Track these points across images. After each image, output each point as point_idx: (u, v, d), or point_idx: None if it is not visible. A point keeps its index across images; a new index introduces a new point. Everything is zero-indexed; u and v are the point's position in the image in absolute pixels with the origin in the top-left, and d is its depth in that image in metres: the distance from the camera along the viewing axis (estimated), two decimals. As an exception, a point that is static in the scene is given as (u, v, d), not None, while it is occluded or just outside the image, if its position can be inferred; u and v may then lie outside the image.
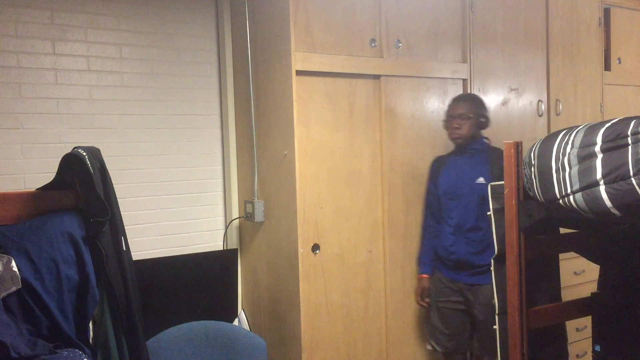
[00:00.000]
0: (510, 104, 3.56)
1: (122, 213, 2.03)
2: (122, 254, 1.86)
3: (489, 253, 2.53)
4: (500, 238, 2.24)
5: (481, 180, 2.85)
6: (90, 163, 1.81)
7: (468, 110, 2.93)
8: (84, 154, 1.84)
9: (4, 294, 1.28)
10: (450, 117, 2.98)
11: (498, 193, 2.24)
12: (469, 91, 3.36)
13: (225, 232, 3.26)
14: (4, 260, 1.28)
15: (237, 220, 3.26)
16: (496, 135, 3.43)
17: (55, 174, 1.98)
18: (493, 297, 2.29)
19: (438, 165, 3.08)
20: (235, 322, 3.14)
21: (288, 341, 2.88)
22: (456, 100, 3.02)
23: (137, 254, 2.36)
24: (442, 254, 3.00)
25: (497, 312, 2.28)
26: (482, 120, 2.98)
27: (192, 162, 3.21)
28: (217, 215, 3.29)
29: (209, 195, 3.27)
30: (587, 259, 2.44)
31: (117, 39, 3.00)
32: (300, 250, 2.76)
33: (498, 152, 2.82)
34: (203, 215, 3.25)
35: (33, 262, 1.38)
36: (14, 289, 1.31)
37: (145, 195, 3.07)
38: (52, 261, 1.42)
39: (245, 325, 3.17)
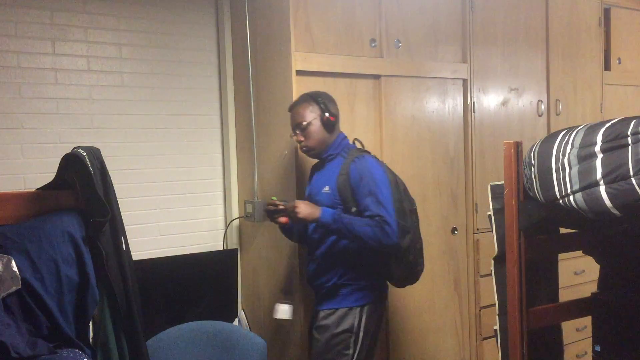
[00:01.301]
0: (510, 104, 3.56)
1: (122, 213, 2.03)
2: (122, 254, 1.86)
3: (335, 272, 2.45)
4: (500, 238, 2.24)
5: (326, 189, 2.44)
6: (90, 163, 1.81)
7: (303, 116, 2.45)
8: (84, 154, 1.84)
9: (4, 294, 1.28)
10: (293, 130, 2.52)
11: (498, 193, 2.24)
12: (469, 91, 3.36)
13: (225, 232, 3.26)
14: (4, 260, 1.28)
15: (237, 220, 3.26)
16: (496, 135, 3.44)
17: (55, 174, 1.98)
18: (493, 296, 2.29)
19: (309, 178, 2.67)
20: (235, 322, 3.13)
21: (288, 341, 2.88)
22: (290, 109, 2.53)
23: (137, 254, 2.36)
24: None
25: (497, 312, 2.28)
26: (326, 118, 2.44)
27: (192, 162, 3.21)
28: (217, 215, 3.29)
29: (209, 195, 3.27)
30: (592, 256, 2.44)
31: (117, 38, 3.00)
32: (300, 250, 2.76)
33: (352, 155, 2.45)
34: (203, 215, 3.25)
35: (33, 262, 1.38)
36: (14, 289, 1.31)
37: (145, 195, 3.07)
38: (52, 261, 1.42)
39: (245, 325, 3.17)
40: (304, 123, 2.44)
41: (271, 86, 2.90)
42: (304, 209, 2.36)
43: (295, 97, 2.72)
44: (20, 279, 1.32)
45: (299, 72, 2.73)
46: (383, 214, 2.32)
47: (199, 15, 3.21)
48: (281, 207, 2.42)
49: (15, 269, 1.33)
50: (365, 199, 2.35)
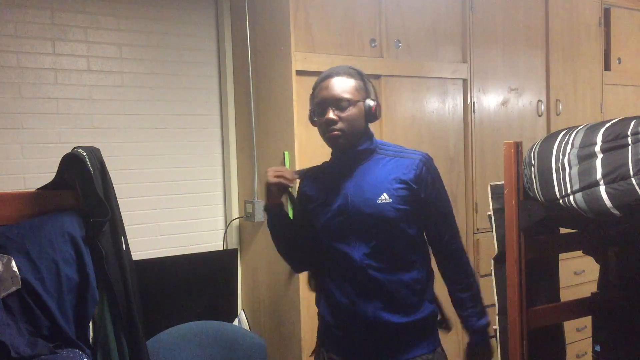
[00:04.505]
0: (510, 104, 3.56)
1: (122, 213, 2.03)
2: (122, 254, 1.86)
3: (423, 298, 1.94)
4: (500, 238, 2.24)
5: (385, 198, 1.82)
6: (90, 163, 1.81)
7: (347, 91, 1.84)
8: (84, 153, 1.84)
9: (4, 294, 1.28)
10: (320, 106, 1.87)
11: (498, 193, 2.24)
12: (469, 91, 3.36)
13: (225, 232, 3.26)
14: (4, 260, 1.28)
15: (237, 220, 3.26)
16: (496, 135, 3.44)
17: (55, 174, 1.98)
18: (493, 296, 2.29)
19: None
20: (235, 322, 3.13)
21: (288, 341, 2.88)
22: (323, 79, 1.89)
23: (137, 254, 2.36)
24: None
25: (496, 312, 2.28)
26: (374, 106, 1.88)
27: (192, 162, 3.21)
28: (217, 215, 3.29)
29: (209, 195, 3.27)
30: (592, 256, 2.45)
31: (117, 38, 3.00)
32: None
33: (405, 152, 1.92)
34: (203, 215, 3.25)
35: (33, 262, 1.38)
36: (14, 289, 1.31)
37: (145, 195, 3.07)
38: (52, 261, 1.42)
39: (245, 326, 3.17)
40: (346, 101, 1.83)
41: (271, 86, 2.90)
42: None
43: (295, 97, 2.72)
44: (20, 279, 1.32)
45: (299, 72, 2.73)
46: (462, 246, 1.97)
47: (199, 15, 3.21)
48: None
49: (15, 269, 1.33)
50: (445, 221, 1.92)
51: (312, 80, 2.79)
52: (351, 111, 1.83)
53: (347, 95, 1.83)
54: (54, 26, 2.84)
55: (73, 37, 2.89)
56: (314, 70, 2.78)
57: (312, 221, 1.94)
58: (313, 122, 1.92)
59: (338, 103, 1.82)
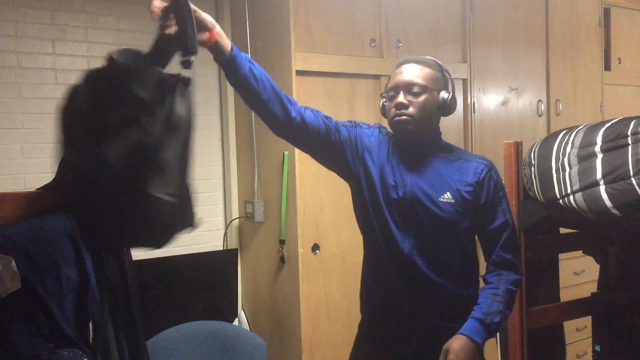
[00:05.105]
0: (510, 104, 3.56)
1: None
2: (122, 253, 1.86)
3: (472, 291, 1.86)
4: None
5: (447, 197, 1.76)
6: (90, 163, 1.81)
7: (422, 77, 1.77)
8: (84, 154, 1.84)
9: (4, 294, 1.27)
10: (393, 89, 1.79)
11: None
12: (469, 93, 3.36)
13: (225, 232, 3.26)
14: (4, 260, 1.28)
15: (237, 220, 3.26)
16: (496, 135, 3.44)
17: (55, 174, 1.98)
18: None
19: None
20: (235, 322, 3.13)
21: (288, 342, 2.88)
22: (402, 64, 1.82)
23: (136, 254, 2.36)
24: None
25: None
26: (449, 98, 1.80)
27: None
28: (217, 215, 3.29)
29: (209, 195, 3.27)
30: (592, 256, 2.45)
31: (117, 39, 3.00)
32: (300, 250, 2.76)
33: (473, 157, 1.88)
34: (203, 215, 3.24)
35: (33, 262, 1.38)
36: (14, 289, 1.31)
37: (145, 195, 3.07)
38: (51, 261, 1.42)
39: (246, 326, 3.17)
40: (419, 86, 1.74)
41: (271, 86, 2.89)
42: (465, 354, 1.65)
43: (295, 96, 2.72)
44: (20, 279, 1.32)
45: (298, 72, 2.73)
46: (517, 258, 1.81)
47: (199, 15, 3.21)
48: None
49: (15, 269, 1.33)
50: (501, 231, 1.79)
51: (312, 80, 2.81)
52: (424, 98, 1.74)
53: (420, 81, 1.74)
54: (54, 26, 2.84)
55: (73, 37, 2.89)
56: (314, 70, 2.79)
57: (338, 163, 1.84)
58: (383, 111, 1.83)
59: (411, 88, 1.74)
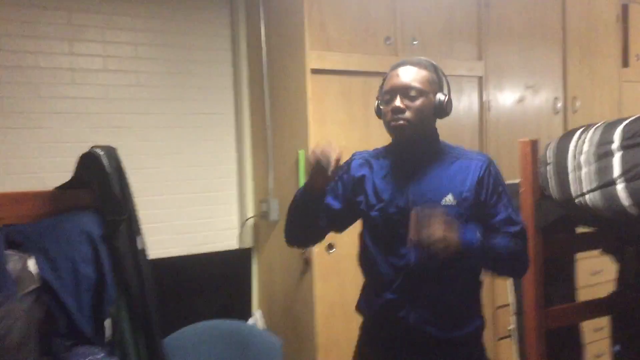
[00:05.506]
0: (526, 101, 3.53)
1: (138, 212, 2.04)
2: (138, 252, 1.88)
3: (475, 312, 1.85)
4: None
5: (449, 199, 1.73)
6: (107, 162, 1.83)
7: (418, 80, 1.75)
8: (101, 153, 1.86)
9: (23, 293, 1.29)
10: (389, 94, 1.78)
11: (514, 192, 2.23)
12: (484, 90, 3.33)
13: (241, 231, 3.27)
14: (23, 259, 1.30)
15: (253, 219, 3.27)
16: (512, 133, 3.41)
17: (72, 173, 2.00)
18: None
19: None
20: (251, 321, 3.14)
21: (303, 341, 2.88)
22: (397, 67, 1.81)
23: (153, 253, 2.37)
24: None
25: (512, 311, 2.26)
26: (445, 100, 1.79)
27: (206, 160, 3.22)
28: (232, 214, 3.30)
29: (224, 194, 3.28)
30: (609, 256, 2.42)
31: (133, 38, 3.01)
32: (315, 249, 2.76)
33: (472, 156, 1.83)
34: (218, 214, 3.26)
35: (52, 260, 1.40)
36: (32, 287, 1.33)
37: (160, 194, 3.09)
38: (70, 260, 1.43)
39: (261, 325, 3.18)
40: (416, 90, 1.73)
41: (286, 85, 2.90)
42: (439, 226, 1.57)
43: (310, 95, 2.72)
44: (38, 277, 1.34)
45: (313, 71, 2.73)
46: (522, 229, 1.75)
47: (213, 14, 3.22)
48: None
49: (34, 267, 1.34)
50: (504, 224, 1.74)
51: (327, 79, 2.81)
52: (420, 102, 1.73)
53: (417, 85, 1.73)
54: (71, 26, 2.86)
55: (90, 37, 2.91)
56: (329, 69, 2.78)
57: (358, 212, 1.84)
58: (379, 113, 1.82)
59: (407, 92, 1.72)
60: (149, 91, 3.06)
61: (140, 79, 3.04)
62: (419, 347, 1.76)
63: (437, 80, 1.79)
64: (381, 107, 1.80)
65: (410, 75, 1.75)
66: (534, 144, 2.14)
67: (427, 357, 1.75)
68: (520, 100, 3.51)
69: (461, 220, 1.67)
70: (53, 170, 2.79)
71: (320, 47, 2.76)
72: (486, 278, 1.88)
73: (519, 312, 2.21)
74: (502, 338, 3.42)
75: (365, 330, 1.94)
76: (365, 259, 1.87)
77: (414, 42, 3.06)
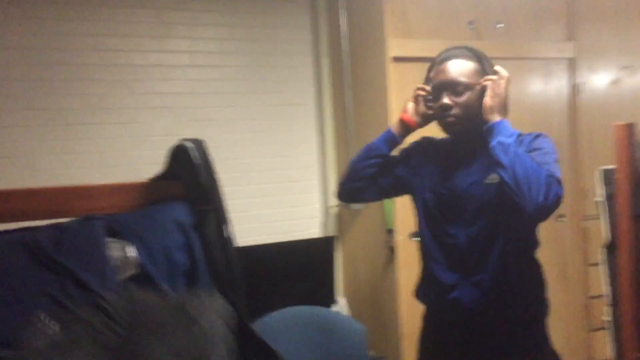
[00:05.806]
0: (622, 83, 3.34)
1: (226, 201, 2.10)
2: (226, 241, 1.93)
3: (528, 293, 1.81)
4: (611, 225, 2.12)
5: (493, 178, 1.69)
6: (195, 154, 1.89)
7: (464, 74, 1.75)
8: (190, 145, 1.92)
9: (122, 277, 1.37)
10: (435, 90, 1.80)
11: (609, 178, 2.12)
12: (575, 71, 3.18)
13: (326, 220, 3.31)
14: (123, 245, 1.38)
15: (337, 208, 3.30)
16: (606, 117, 3.24)
17: (163, 165, 2.08)
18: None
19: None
20: (335, 309, 3.18)
21: (387, 329, 2.89)
22: (441, 62, 1.80)
23: (240, 241, 2.44)
24: None
25: (607, 302, 2.17)
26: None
27: (289, 151, 3.28)
28: (315, 203, 3.34)
29: (306, 183, 3.33)
30: None
31: (218, 34, 3.11)
32: (399, 237, 2.75)
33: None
34: (302, 203, 3.32)
35: (147, 247, 1.47)
36: (131, 273, 1.41)
37: (246, 184, 3.18)
38: (164, 247, 1.50)
39: (346, 312, 3.21)
40: (463, 84, 1.73)
41: (367, 74, 2.89)
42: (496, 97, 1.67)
43: (391, 83, 2.70)
44: (137, 263, 1.41)
45: (394, 59, 2.71)
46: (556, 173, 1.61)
47: (294, 6, 3.26)
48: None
49: (133, 254, 1.42)
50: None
51: (409, 66, 2.78)
52: (468, 96, 1.73)
53: (463, 79, 1.73)
54: (161, 24, 2.99)
55: (177, 34, 3.02)
56: (411, 56, 2.75)
57: (408, 192, 1.95)
58: (428, 108, 1.85)
59: (454, 87, 1.74)
60: (233, 85, 3.14)
61: (224, 73, 3.13)
62: (476, 329, 1.76)
63: (484, 70, 1.78)
64: (429, 104, 1.84)
65: (456, 70, 1.75)
66: (630, 128, 2.02)
67: (483, 339, 1.75)
68: (616, 81, 3.32)
69: (504, 198, 1.62)
70: (146, 162, 2.94)
71: (400, 35, 2.73)
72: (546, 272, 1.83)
73: (615, 304, 2.11)
74: (595, 330, 3.29)
75: (425, 317, 1.97)
76: (421, 243, 1.92)
77: (498, 26, 2.96)
